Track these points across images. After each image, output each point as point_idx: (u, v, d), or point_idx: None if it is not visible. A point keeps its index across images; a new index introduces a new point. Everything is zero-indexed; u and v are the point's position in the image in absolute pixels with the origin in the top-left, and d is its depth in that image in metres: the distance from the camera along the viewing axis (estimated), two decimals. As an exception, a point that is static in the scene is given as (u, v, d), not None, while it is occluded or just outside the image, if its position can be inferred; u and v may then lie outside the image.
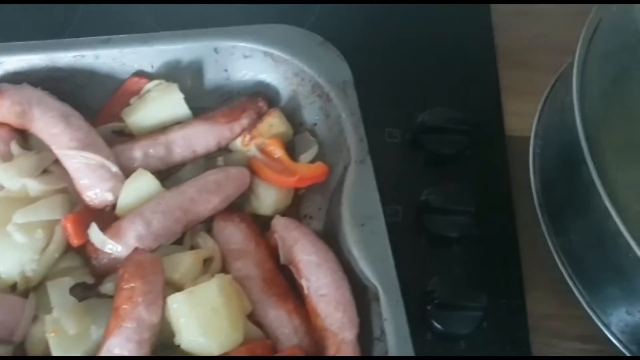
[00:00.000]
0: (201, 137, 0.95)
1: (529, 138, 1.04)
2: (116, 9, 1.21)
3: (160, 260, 0.81)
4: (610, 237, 0.79)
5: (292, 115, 1.00)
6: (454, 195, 1.02)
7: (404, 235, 1.02)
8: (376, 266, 0.83)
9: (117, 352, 0.76)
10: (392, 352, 0.79)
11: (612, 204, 0.77)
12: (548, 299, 0.99)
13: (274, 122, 0.97)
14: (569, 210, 0.90)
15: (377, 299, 0.82)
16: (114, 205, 0.90)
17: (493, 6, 1.25)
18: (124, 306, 0.77)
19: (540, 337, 0.97)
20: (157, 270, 0.80)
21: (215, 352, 0.79)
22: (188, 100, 0.97)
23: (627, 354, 0.89)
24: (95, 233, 0.86)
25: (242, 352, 0.80)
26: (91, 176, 0.88)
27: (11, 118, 0.90)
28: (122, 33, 0.98)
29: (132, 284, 0.77)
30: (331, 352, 0.81)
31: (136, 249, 0.82)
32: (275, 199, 0.93)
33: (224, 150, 0.98)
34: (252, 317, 0.85)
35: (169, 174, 0.96)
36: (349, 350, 0.80)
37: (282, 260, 0.88)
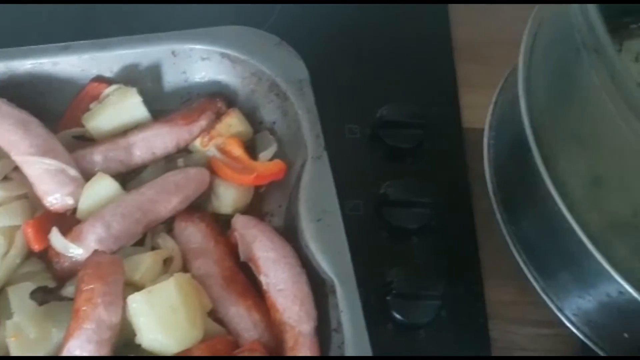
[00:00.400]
0: (160, 139, 0.96)
1: (484, 130, 1.06)
2: (77, 15, 1.22)
3: (119, 261, 0.83)
4: (557, 223, 0.81)
5: (252, 115, 1.02)
6: (412, 188, 1.04)
7: (365, 228, 1.04)
8: (332, 259, 0.85)
9: (77, 353, 0.77)
10: (349, 343, 0.80)
11: (556, 191, 0.79)
12: (506, 286, 1.01)
13: (233, 122, 0.99)
14: (520, 198, 0.93)
15: (334, 292, 0.84)
16: (75, 209, 0.91)
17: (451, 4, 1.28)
18: (83, 308, 0.78)
19: (499, 324, 0.99)
20: (116, 271, 0.81)
21: (175, 350, 0.80)
22: (149, 102, 0.99)
23: (581, 336, 0.91)
24: (56, 238, 0.87)
25: (203, 349, 0.82)
26: (51, 181, 0.89)
27: (-30, 126, 0.91)
28: (83, 39, 1.00)
29: (92, 286, 0.79)
30: (289, 344, 0.83)
31: (96, 251, 0.83)
32: (234, 197, 0.95)
33: (184, 151, 0.99)
34: (213, 314, 0.87)
35: (130, 177, 0.97)
36: (307, 342, 0.82)
37: (242, 257, 0.90)
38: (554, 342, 0.98)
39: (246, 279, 0.89)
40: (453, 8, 1.27)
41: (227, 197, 0.95)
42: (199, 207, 0.95)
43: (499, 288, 1.01)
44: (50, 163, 0.89)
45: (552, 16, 0.81)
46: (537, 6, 0.90)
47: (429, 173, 1.09)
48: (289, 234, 0.91)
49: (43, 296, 0.84)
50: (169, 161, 0.98)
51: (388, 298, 0.96)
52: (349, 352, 0.80)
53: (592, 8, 0.66)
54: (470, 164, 1.10)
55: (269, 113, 1.00)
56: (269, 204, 0.98)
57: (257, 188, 0.98)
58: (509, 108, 0.94)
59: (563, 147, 0.81)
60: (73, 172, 0.91)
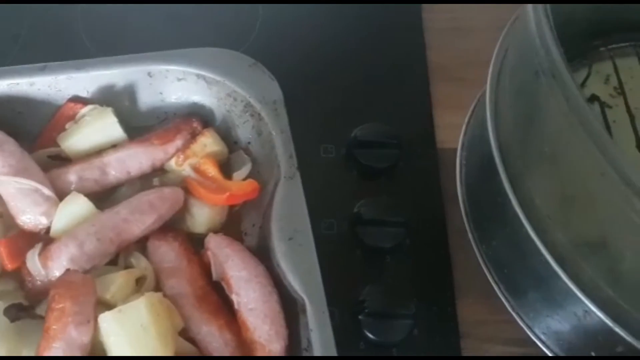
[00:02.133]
0: (135, 159, 0.97)
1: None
2: (56, 36, 1.23)
3: (91, 280, 0.83)
4: (524, 243, 0.82)
5: (227, 135, 1.03)
6: (386, 207, 1.05)
7: (339, 247, 1.05)
8: (303, 278, 0.86)
9: (47, 372, 0.77)
10: (318, 362, 0.81)
11: (522, 211, 0.81)
12: (478, 305, 1.01)
13: (208, 142, 1.00)
14: (490, 217, 0.94)
15: (305, 311, 0.84)
16: (48, 228, 0.91)
17: (426, 24, 1.29)
18: (53, 327, 0.78)
19: (471, 343, 0.99)
20: (87, 291, 0.82)
21: (145, 369, 0.81)
22: (126, 120, 1.00)
23: (550, 355, 0.92)
24: (32, 260, 0.87)
25: (174, 368, 0.82)
26: (24, 201, 0.90)
27: (-55, 147, 0.92)
28: (62, 59, 1.01)
29: (62, 305, 0.79)
30: (260, 364, 0.83)
31: (67, 271, 0.84)
32: (208, 217, 0.96)
33: (160, 170, 1.00)
34: (185, 334, 0.87)
35: (105, 196, 0.98)
36: (277, 361, 0.83)
37: (215, 276, 0.91)
38: (526, 360, 0.99)
39: (218, 298, 0.90)
40: (428, 30, 1.28)
41: (201, 217, 0.95)
42: (173, 226, 0.96)
43: (471, 307, 1.01)
44: (23, 182, 0.90)
45: (518, 39, 0.83)
46: (505, 29, 0.92)
47: (404, 192, 1.10)
48: (263, 253, 0.92)
49: (16, 313, 0.84)
50: (144, 180, 0.99)
51: (360, 317, 0.96)
52: (318, 371, 0.80)
53: (548, 32, 0.67)
54: (444, 184, 1.11)
55: (244, 133, 1.01)
56: (244, 223, 0.99)
57: (231, 207, 0.99)
58: (478, 129, 0.96)
59: (529, 167, 0.82)
60: (47, 191, 0.91)
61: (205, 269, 0.92)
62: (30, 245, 0.89)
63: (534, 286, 0.88)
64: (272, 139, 0.96)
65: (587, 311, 0.79)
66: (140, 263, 0.91)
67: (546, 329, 0.90)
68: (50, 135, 1.01)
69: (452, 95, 1.20)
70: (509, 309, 0.94)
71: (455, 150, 1.09)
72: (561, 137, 0.70)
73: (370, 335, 0.95)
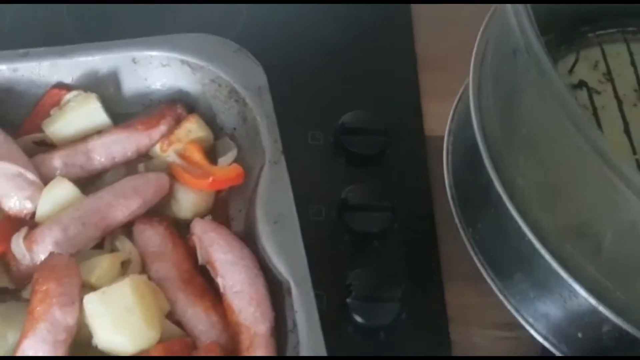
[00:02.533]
0: (120, 145, 0.97)
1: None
2: (41, 23, 1.23)
3: (74, 263, 0.83)
4: (508, 224, 0.82)
5: (213, 121, 1.03)
6: (373, 192, 1.05)
7: (327, 233, 1.04)
8: (288, 261, 0.86)
9: (31, 353, 0.77)
10: (304, 342, 0.81)
11: (505, 191, 0.80)
12: (467, 289, 1.01)
13: (192, 128, 0.99)
14: (475, 200, 0.94)
15: (290, 293, 0.84)
16: (34, 213, 0.91)
17: (414, 13, 1.29)
18: (38, 308, 0.78)
19: (459, 326, 0.99)
20: (71, 273, 0.81)
21: (130, 350, 0.80)
22: (111, 107, 1.00)
23: (539, 339, 0.92)
24: (17, 244, 0.87)
25: (160, 350, 0.81)
26: (8, 185, 0.90)
27: None
28: (47, 45, 1.01)
29: (46, 287, 0.79)
30: (245, 345, 0.83)
31: (51, 254, 0.83)
32: (194, 202, 0.96)
33: (145, 156, 1.00)
34: (172, 316, 0.87)
35: (91, 182, 0.97)
36: (262, 342, 0.83)
37: (200, 260, 0.91)
38: (514, 344, 0.98)
39: (204, 281, 0.90)
40: (417, 20, 1.28)
41: (186, 202, 0.95)
42: (158, 211, 0.96)
43: (459, 291, 1.01)
44: (7, 167, 0.89)
45: (498, 23, 0.83)
46: (488, 15, 0.92)
47: (391, 178, 1.10)
48: (249, 238, 0.92)
49: (1, 296, 0.83)
50: (129, 167, 0.99)
51: (348, 300, 0.96)
52: (303, 352, 0.80)
53: (522, 10, 0.67)
54: (432, 170, 1.10)
55: (229, 119, 1.01)
56: (230, 209, 0.99)
57: (218, 193, 0.99)
58: (464, 114, 0.96)
59: (510, 148, 0.82)
60: (31, 176, 0.91)
61: (191, 253, 0.92)
62: (16, 230, 0.88)
63: (520, 268, 0.88)
64: (256, 125, 0.96)
65: (572, 291, 0.78)
66: (125, 247, 0.90)
67: (533, 311, 0.90)
68: (35, 122, 1.00)
69: (440, 83, 1.19)
70: (497, 292, 0.94)
71: (442, 137, 1.08)
72: (538, 116, 0.70)
73: (358, 319, 0.95)
